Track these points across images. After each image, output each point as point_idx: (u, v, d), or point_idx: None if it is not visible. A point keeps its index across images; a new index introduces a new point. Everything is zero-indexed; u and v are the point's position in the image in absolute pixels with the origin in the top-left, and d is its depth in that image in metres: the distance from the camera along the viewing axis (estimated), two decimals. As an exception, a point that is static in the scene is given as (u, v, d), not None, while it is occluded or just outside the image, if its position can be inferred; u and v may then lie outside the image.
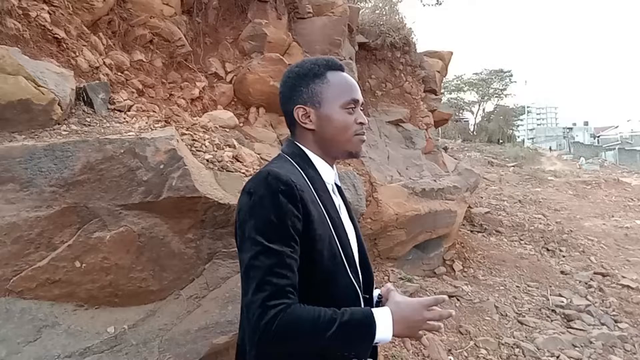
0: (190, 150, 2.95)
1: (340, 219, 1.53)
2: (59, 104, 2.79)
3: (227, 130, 3.88)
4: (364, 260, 1.62)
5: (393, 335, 1.26)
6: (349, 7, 6.17)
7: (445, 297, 1.42)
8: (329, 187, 1.57)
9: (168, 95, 4.34)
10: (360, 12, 7.22)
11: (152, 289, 2.61)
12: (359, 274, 1.53)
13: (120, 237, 2.46)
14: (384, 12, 7.80)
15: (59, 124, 2.84)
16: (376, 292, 1.58)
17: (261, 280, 1.20)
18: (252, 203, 1.31)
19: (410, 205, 6.02)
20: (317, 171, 1.53)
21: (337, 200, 1.60)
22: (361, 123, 1.54)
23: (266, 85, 4.69)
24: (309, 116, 1.51)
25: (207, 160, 2.93)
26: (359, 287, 1.46)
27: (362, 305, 1.39)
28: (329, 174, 1.56)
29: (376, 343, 1.25)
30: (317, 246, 1.35)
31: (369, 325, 1.24)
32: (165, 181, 2.50)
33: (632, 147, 40.41)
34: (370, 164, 6.29)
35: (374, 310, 1.28)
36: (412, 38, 7.96)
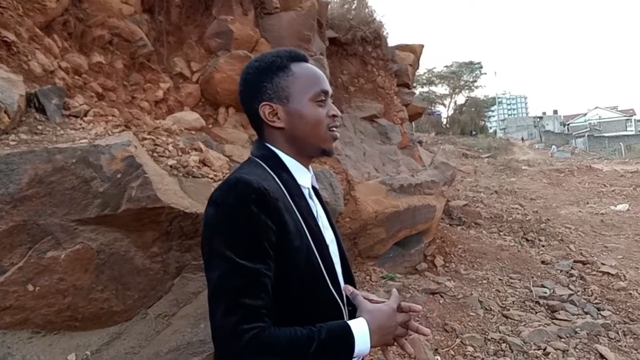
0: (152, 156, 2.77)
1: (319, 227, 1.40)
2: (5, 112, 2.56)
3: (194, 132, 3.72)
4: (347, 271, 1.51)
5: (371, 347, 1.21)
6: (317, 1, 6.05)
7: (418, 307, 1.35)
8: (305, 192, 1.44)
9: (130, 98, 4.15)
10: (329, 7, 7.09)
11: (116, 309, 2.41)
12: (340, 287, 1.39)
13: (77, 256, 2.27)
14: (353, 6, 7.69)
15: (6, 133, 2.60)
16: None
17: (232, 302, 1.11)
18: (220, 215, 1.19)
19: (389, 202, 5.93)
20: (292, 174, 1.40)
21: (315, 206, 1.47)
22: (334, 115, 1.43)
23: (234, 83, 4.50)
24: (277, 113, 1.38)
25: (171, 166, 2.75)
26: (342, 300, 1.35)
27: (347, 319, 1.30)
28: (304, 176, 1.44)
29: (354, 358, 1.19)
30: (294, 260, 1.25)
31: (347, 340, 1.17)
32: (124, 192, 2.33)
33: (600, 134, 41.46)
34: (347, 162, 6.20)
35: (351, 323, 1.21)
36: (383, 32, 7.89)
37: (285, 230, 1.23)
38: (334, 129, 1.44)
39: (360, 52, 7.50)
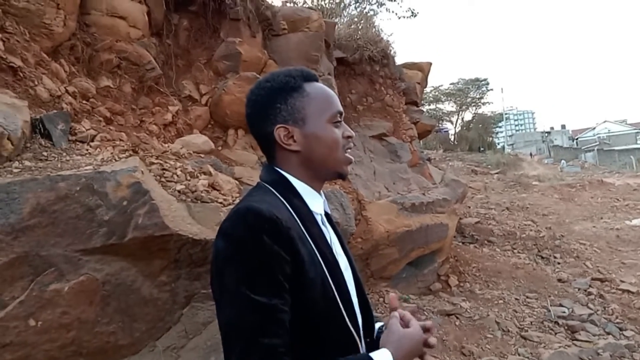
0: (160, 182, 2.69)
1: (334, 255, 1.33)
2: (8, 139, 2.49)
3: (202, 155, 3.65)
4: (363, 300, 1.42)
5: None
6: (324, 22, 6.03)
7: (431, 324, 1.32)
8: (318, 219, 1.36)
9: (139, 122, 4.11)
10: (336, 27, 7.09)
11: (123, 342, 2.30)
12: (357, 318, 1.32)
13: (82, 288, 2.17)
14: (360, 26, 7.69)
15: (10, 160, 2.53)
16: (378, 325, 1.44)
17: (249, 342, 1.05)
18: (230, 247, 1.13)
19: (400, 221, 5.85)
20: (303, 200, 1.33)
21: (328, 233, 1.38)
22: (349, 137, 1.36)
23: (243, 105, 4.50)
24: (292, 136, 1.32)
25: (179, 192, 2.67)
26: (358, 333, 1.29)
27: (363, 351, 1.27)
28: (316, 202, 1.37)
29: None
30: (310, 292, 1.18)
31: None
32: (130, 219, 2.25)
33: (610, 148, 41.12)
34: (357, 181, 6.15)
35: (373, 355, 1.16)
36: (390, 51, 7.87)
37: (300, 261, 1.16)
38: (349, 150, 1.38)
39: (368, 71, 7.49)
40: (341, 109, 1.35)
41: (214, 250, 1.19)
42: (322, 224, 1.36)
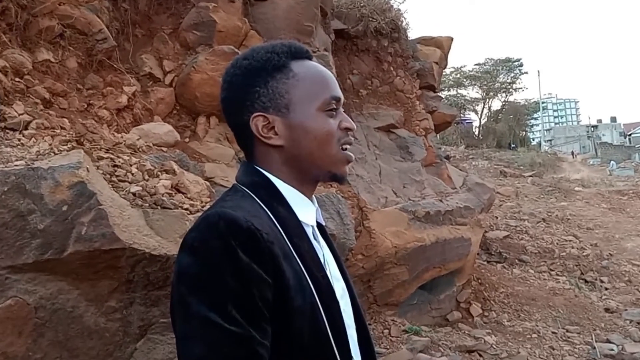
0: (110, 182, 2.69)
1: (328, 278, 1.32)
2: None
3: (165, 149, 3.65)
4: (363, 335, 1.41)
5: None
6: (321, -16, 6.04)
7: None
8: (309, 231, 1.35)
9: (85, 106, 4.11)
10: (335, -9, 7.10)
11: (59, 383, 2.30)
12: (352, 358, 1.30)
13: (8, 314, 2.17)
14: (365, -9, 7.69)
15: None
16: None
17: None
18: (197, 265, 1.11)
19: (411, 234, 5.91)
20: (291, 209, 1.33)
21: (321, 249, 1.38)
22: (347, 129, 1.34)
23: (217, 87, 4.48)
24: (274, 127, 1.32)
25: (134, 195, 2.67)
26: None
27: None
28: (307, 211, 1.36)
29: None
30: (294, 322, 1.16)
31: None
32: (71, 229, 2.25)
33: (670, 146, 41.48)
34: (358, 183, 6.17)
35: None
36: (402, 22, 7.90)
37: (284, 285, 1.14)
38: (347, 146, 1.36)
39: (374, 47, 7.48)
40: (338, 93, 1.33)
41: (176, 269, 1.17)
42: (314, 238, 1.35)
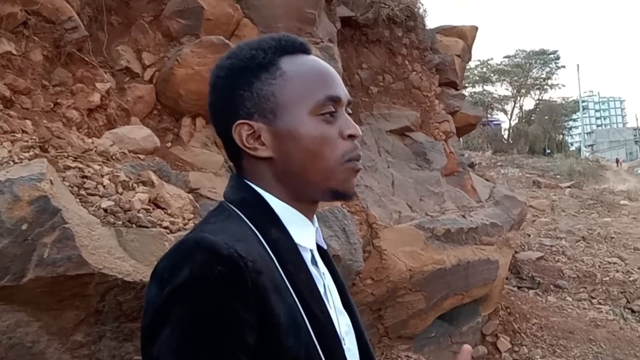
0: (78, 195, 2.69)
1: (328, 313, 1.31)
2: None
3: (143, 157, 3.65)
4: None
5: None
6: (325, -35, 6.07)
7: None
8: (307, 256, 1.34)
9: (52, 105, 4.12)
10: (342, -27, 7.13)
11: None
12: None
13: None
14: (377, -27, 7.72)
15: None
16: None
17: None
18: (167, 300, 1.09)
19: (429, 255, 5.90)
20: (286, 230, 1.32)
21: (321, 278, 1.37)
22: (351, 136, 1.32)
23: (204, 83, 4.47)
24: (259, 136, 1.30)
25: (106, 211, 2.68)
26: None
27: None
28: (306, 232, 1.36)
29: None
30: None
31: None
32: (32, 251, 2.24)
33: None
34: (367, 196, 6.17)
35: None
36: (419, 9, 7.92)
37: (272, 323, 1.13)
38: (353, 159, 1.33)
39: (387, 37, 7.51)
40: (337, 92, 1.29)
41: (145, 302, 1.16)
42: (313, 264, 1.34)
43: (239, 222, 1.24)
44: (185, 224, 2.83)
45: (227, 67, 1.30)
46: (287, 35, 1.34)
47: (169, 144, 4.60)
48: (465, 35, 8.67)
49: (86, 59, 4.51)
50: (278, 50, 1.30)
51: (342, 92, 1.31)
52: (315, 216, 1.38)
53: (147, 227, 2.66)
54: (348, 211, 5.15)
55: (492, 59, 40.98)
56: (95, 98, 4.28)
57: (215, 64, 1.34)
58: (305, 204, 1.33)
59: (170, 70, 4.68)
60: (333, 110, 1.28)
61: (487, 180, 8.87)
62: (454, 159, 7.55)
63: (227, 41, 4.75)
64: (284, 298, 1.16)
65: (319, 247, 1.41)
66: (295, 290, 1.20)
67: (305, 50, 1.34)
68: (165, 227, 2.78)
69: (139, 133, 3.95)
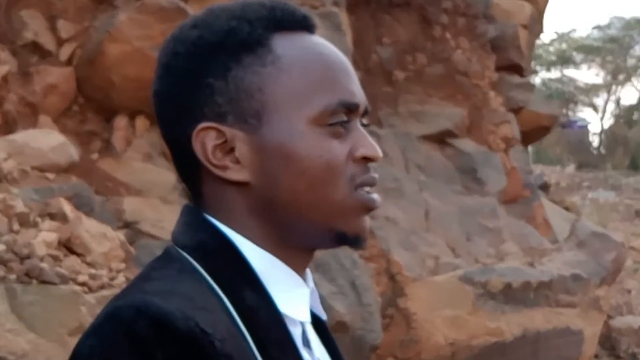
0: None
1: None
2: None
3: (52, 177, 3.61)
4: None
5: None
6: None
7: None
8: (295, 334, 1.29)
9: None
10: None
11: None
12: None
13: None
14: None
15: None
16: None
17: None
18: None
19: (480, 322, 5.91)
20: (267, 293, 1.26)
21: None
22: (366, 158, 1.28)
23: (151, 66, 4.48)
24: (232, 149, 1.25)
25: None
26: None
27: None
28: (296, 296, 1.30)
29: None
30: None
31: None
32: None
33: None
34: (389, 233, 6.15)
35: None
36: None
37: None
38: (367, 187, 1.30)
39: None
40: (354, 98, 1.26)
41: None
42: (305, 344, 1.32)
43: (197, 281, 1.21)
44: (112, 278, 2.78)
45: (191, 42, 1.26)
46: (283, 3, 1.31)
47: (94, 156, 4.58)
48: (535, -2, 8.70)
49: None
50: (270, 23, 1.27)
51: (361, 96, 1.28)
52: (309, 270, 1.35)
53: (55, 284, 2.61)
54: (360, 256, 5.12)
55: (574, 30, 41.06)
56: (-13, 88, 4.29)
57: (171, 34, 1.30)
58: (295, 253, 1.30)
59: (98, 47, 4.69)
60: (345, 120, 1.25)
61: (567, 209, 8.84)
62: (518, 179, 7.54)
63: (183, 4, 4.75)
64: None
65: (314, 317, 1.38)
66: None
67: (309, 28, 1.30)
68: (82, 284, 2.73)
69: (47, 141, 3.91)
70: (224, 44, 1.21)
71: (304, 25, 1.28)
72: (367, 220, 1.28)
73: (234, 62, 1.21)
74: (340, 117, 1.20)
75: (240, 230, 1.20)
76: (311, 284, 1.28)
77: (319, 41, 1.29)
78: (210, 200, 1.23)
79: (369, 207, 1.23)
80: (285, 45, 1.22)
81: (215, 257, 1.20)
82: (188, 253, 1.19)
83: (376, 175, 1.29)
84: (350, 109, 1.21)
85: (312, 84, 1.22)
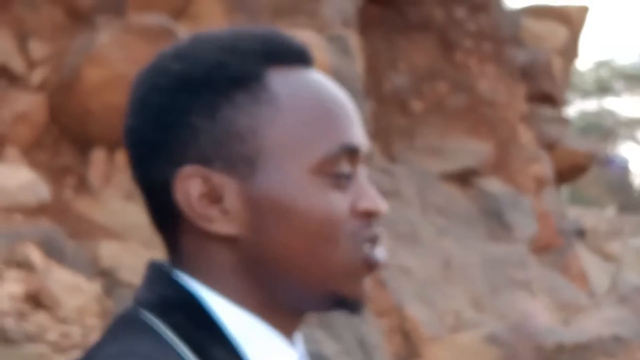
0: None
1: None
2: None
3: (19, 217, 3.59)
4: None
5: None
6: None
7: None
8: None
9: None
10: None
11: None
12: None
13: None
14: None
15: None
16: None
17: None
18: None
19: None
20: (238, 353, 1.23)
21: None
22: (369, 214, 1.26)
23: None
24: (220, 199, 1.22)
25: None
26: None
27: None
28: None
29: None
30: None
31: None
32: None
33: None
34: (402, 283, 6.18)
35: None
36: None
37: None
38: (371, 244, 1.27)
39: (440, 19, 7.62)
40: (357, 140, 1.25)
41: None
42: None
43: (155, 338, 1.19)
44: (85, 336, 2.76)
45: (173, 74, 1.23)
46: (278, 34, 1.29)
47: (68, 194, 4.59)
48: (570, 18, 8.76)
49: None
50: (264, 57, 1.25)
51: (363, 139, 1.27)
52: (298, 334, 1.32)
53: (17, 342, 2.59)
54: (370, 311, 5.14)
55: (614, 58, 41.16)
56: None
57: (150, 64, 1.27)
58: (283, 316, 1.27)
59: (74, 71, 4.74)
60: (349, 169, 1.23)
61: (606, 259, 8.81)
62: (551, 224, 7.58)
63: (171, 25, 4.78)
64: None
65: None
66: None
67: (306, 61, 1.28)
68: (52, 343, 2.72)
69: (15, 177, 3.92)
70: (211, 80, 1.18)
71: (300, 58, 1.25)
72: (368, 283, 1.26)
73: (223, 100, 1.18)
74: (342, 166, 1.18)
75: (218, 289, 1.21)
76: (300, 350, 1.25)
77: (318, 78, 1.26)
78: (189, 254, 1.21)
79: (372, 267, 1.20)
80: (281, 82, 1.21)
81: (178, 312, 1.19)
82: (149, 310, 1.16)
83: (379, 233, 1.27)
84: (353, 152, 1.19)
85: (312, 128, 1.21)
